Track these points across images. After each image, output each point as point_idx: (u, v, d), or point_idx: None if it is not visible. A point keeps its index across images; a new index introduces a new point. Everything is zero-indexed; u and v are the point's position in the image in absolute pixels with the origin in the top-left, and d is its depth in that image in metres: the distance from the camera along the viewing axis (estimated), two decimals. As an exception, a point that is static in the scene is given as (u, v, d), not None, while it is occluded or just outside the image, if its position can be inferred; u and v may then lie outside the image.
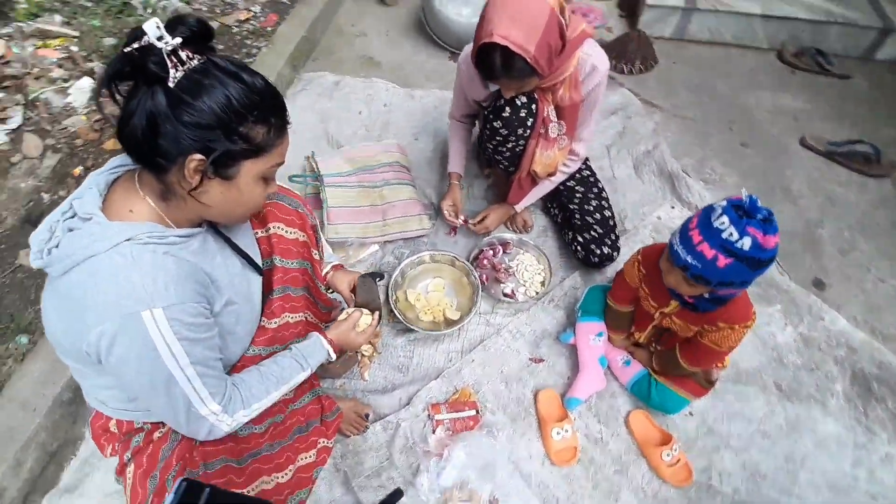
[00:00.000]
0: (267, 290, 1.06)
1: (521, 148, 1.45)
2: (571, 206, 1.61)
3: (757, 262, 0.92)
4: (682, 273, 1.01)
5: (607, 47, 2.46)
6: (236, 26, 2.32)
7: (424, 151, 1.97)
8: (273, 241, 1.06)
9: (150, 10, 2.26)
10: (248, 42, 2.27)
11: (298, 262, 1.11)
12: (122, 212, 0.75)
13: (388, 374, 1.41)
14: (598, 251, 1.53)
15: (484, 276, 1.59)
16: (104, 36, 2.09)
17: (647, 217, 1.82)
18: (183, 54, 0.68)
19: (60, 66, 1.94)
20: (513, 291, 1.57)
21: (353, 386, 1.38)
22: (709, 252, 0.94)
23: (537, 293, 1.57)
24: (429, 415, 1.29)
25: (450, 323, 1.48)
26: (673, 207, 1.85)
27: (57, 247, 0.72)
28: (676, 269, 1.02)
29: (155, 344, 0.71)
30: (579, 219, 1.58)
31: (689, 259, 0.97)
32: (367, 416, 1.29)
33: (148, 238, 0.73)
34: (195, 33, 0.69)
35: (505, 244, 1.67)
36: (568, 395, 1.34)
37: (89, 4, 2.24)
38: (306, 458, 1.15)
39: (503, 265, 1.62)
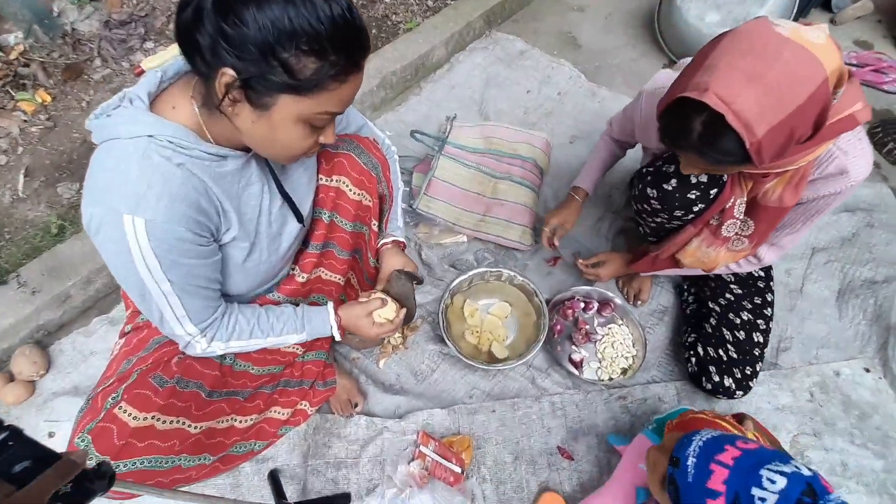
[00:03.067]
0: (310, 241, 0.98)
1: (675, 228, 1.10)
2: (713, 306, 1.20)
3: None
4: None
5: (889, 124, 1.77)
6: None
7: (571, 159, 1.67)
8: (332, 195, 0.96)
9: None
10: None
11: (353, 225, 1.00)
12: (165, 106, 0.70)
13: (403, 374, 1.27)
14: (717, 379, 1.12)
15: (558, 326, 1.30)
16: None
17: (819, 362, 1.29)
18: None
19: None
20: (582, 362, 1.27)
21: (364, 366, 1.27)
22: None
23: (611, 379, 1.24)
24: (416, 441, 1.13)
25: (492, 359, 1.26)
26: (868, 371, 1.27)
27: (108, 116, 0.70)
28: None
29: (130, 250, 0.67)
30: (714, 327, 1.17)
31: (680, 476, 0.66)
32: (356, 404, 1.18)
33: (170, 141, 0.67)
34: None
35: (605, 304, 1.34)
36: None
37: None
38: (278, 412, 1.09)
39: (588, 326, 1.31)
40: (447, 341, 1.23)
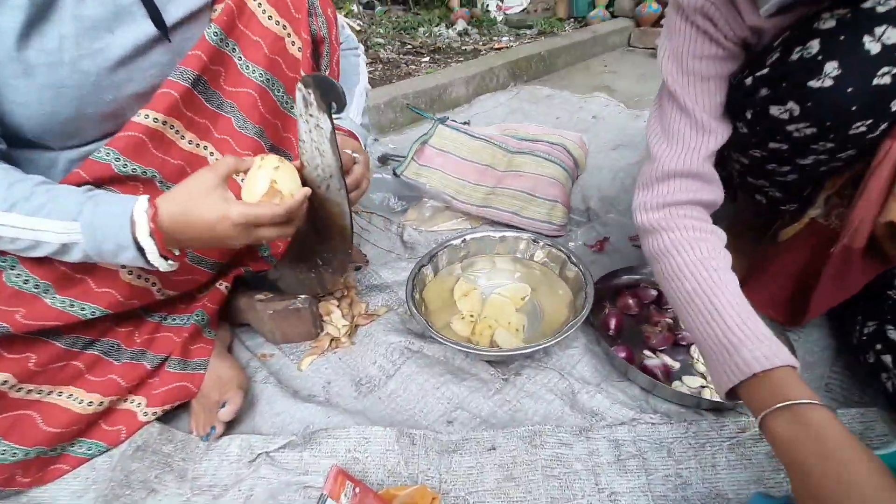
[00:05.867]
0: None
1: (839, 164, 0.59)
2: None
3: None
4: None
5: None
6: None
7: (615, 160, 1.29)
8: (230, 9, 0.63)
9: None
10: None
11: (265, 77, 0.65)
12: None
13: (337, 383, 0.71)
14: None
15: (613, 321, 0.75)
16: None
17: None
18: None
19: None
20: (665, 370, 0.67)
21: (277, 367, 0.74)
22: None
23: (719, 410, 0.62)
24: (324, 488, 0.52)
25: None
26: None
27: None
28: None
29: None
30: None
31: None
32: (223, 405, 0.63)
33: None
34: None
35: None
36: None
37: None
38: (75, 401, 0.58)
39: (667, 318, 0.75)
40: (426, 325, 0.70)
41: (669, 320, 0.75)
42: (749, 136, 0.60)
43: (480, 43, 2.51)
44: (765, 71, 0.55)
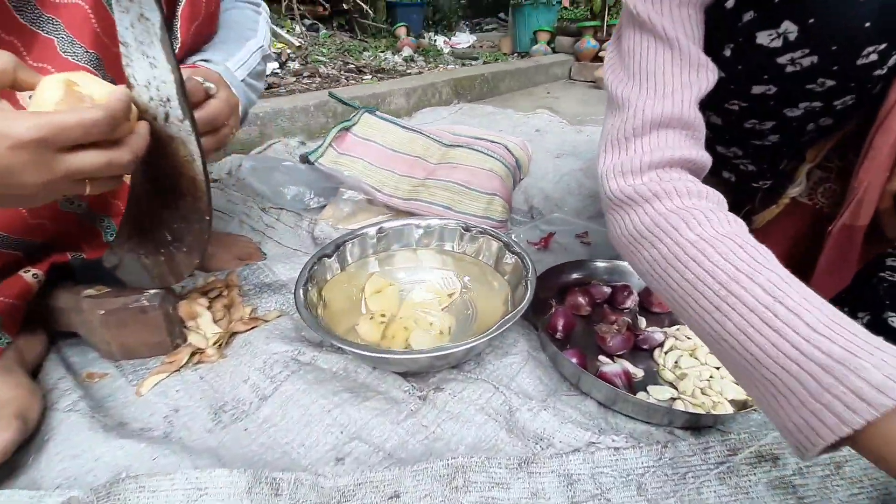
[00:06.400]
0: None
1: (840, 115, 0.49)
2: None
3: None
4: None
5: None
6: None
7: (559, 166, 1.20)
8: None
9: None
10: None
11: None
12: None
13: (186, 412, 0.51)
14: None
15: (561, 322, 0.60)
16: None
17: None
18: None
19: None
20: (626, 378, 0.52)
21: (108, 391, 0.52)
22: None
23: (701, 422, 0.48)
24: None
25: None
26: None
27: None
28: None
29: None
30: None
31: None
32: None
33: None
34: None
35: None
36: None
37: None
38: None
39: (626, 317, 0.61)
40: (299, 308, 0.52)
41: (628, 319, 0.61)
42: (727, 80, 0.47)
43: (427, 69, 2.47)
44: (746, 17, 0.43)
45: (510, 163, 1.01)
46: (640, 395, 0.51)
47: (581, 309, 0.63)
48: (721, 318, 0.32)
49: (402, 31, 2.92)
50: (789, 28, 0.41)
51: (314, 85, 1.94)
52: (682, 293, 0.35)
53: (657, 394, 0.51)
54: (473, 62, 2.66)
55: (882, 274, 0.51)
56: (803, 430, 0.28)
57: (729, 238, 0.35)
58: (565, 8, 3.01)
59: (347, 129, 0.95)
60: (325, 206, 0.93)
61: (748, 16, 0.43)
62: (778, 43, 0.42)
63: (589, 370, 0.53)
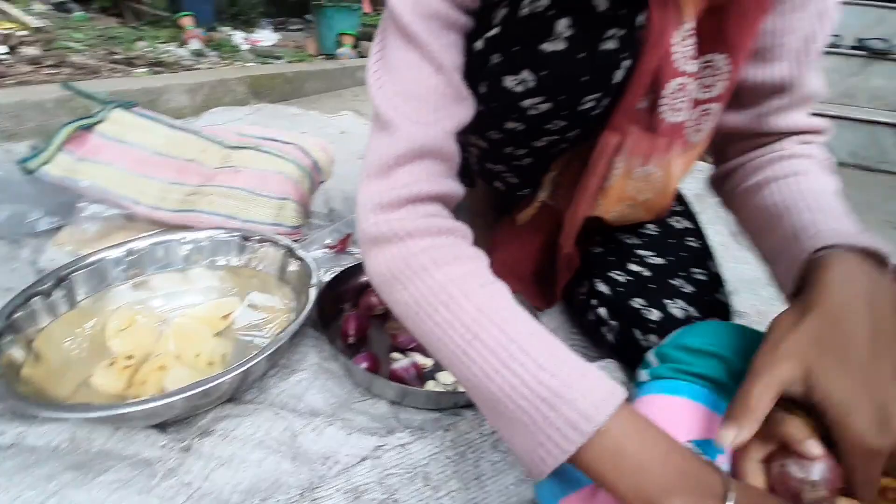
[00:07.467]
0: None
1: (565, 145, 0.53)
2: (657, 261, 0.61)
3: None
4: None
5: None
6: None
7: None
8: None
9: None
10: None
11: None
12: None
13: None
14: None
15: (353, 325, 0.57)
16: None
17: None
18: None
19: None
20: (417, 370, 0.53)
21: None
22: None
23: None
24: None
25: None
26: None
27: None
28: None
29: None
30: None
31: None
32: None
33: None
34: None
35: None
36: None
37: None
38: None
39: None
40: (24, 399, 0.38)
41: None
42: (486, 114, 0.48)
43: (222, 65, 2.21)
44: (495, 31, 0.43)
45: (306, 164, 0.95)
46: (430, 384, 0.52)
47: (374, 309, 0.62)
48: (468, 361, 0.34)
49: (187, 20, 2.56)
50: (528, 77, 0.44)
51: (62, 76, 1.57)
52: (434, 337, 0.36)
53: (444, 379, 0.53)
54: (276, 61, 2.50)
55: (590, 248, 0.63)
56: (534, 457, 0.31)
57: (471, 276, 0.37)
58: (366, 14, 3.04)
59: (89, 127, 0.77)
60: (60, 226, 0.74)
61: (496, 58, 0.44)
62: (521, 88, 0.44)
63: (382, 370, 0.52)
